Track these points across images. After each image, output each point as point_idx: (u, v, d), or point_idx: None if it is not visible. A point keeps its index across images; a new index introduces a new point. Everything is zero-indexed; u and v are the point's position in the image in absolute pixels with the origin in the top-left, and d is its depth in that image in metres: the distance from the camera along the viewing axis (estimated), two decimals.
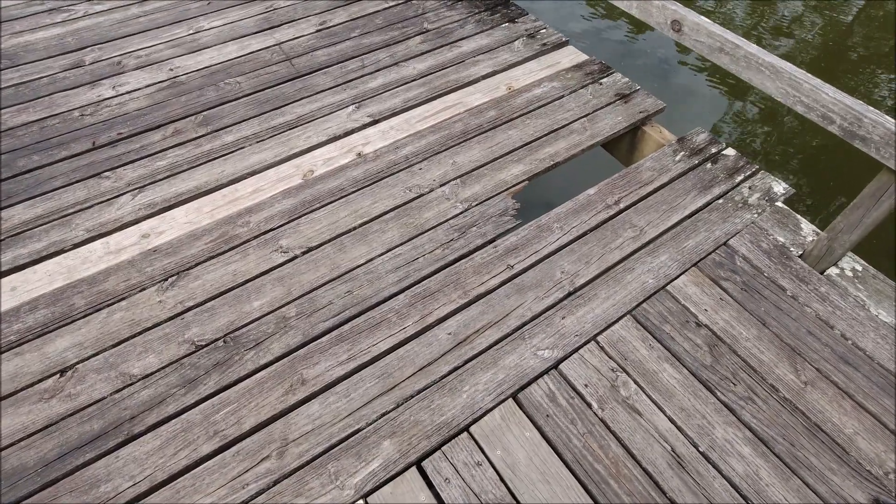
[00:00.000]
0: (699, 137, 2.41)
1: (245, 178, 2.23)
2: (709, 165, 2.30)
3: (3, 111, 2.54)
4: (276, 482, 1.47)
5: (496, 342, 1.76)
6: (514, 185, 2.22)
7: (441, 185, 2.21)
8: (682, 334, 1.78)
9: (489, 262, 1.96)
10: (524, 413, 1.61)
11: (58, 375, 1.67)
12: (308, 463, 1.51)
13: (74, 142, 2.39)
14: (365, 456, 1.52)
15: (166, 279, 1.90)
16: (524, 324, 1.81)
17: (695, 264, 1.97)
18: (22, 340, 1.75)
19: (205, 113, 2.50)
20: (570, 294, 1.88)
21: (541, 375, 1.69)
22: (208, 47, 2.85)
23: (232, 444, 1.54)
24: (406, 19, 3.04)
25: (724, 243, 2.03)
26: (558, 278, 1.92)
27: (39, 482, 1.47)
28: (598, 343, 1.76)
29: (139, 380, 1.66)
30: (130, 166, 2.28)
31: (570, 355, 1.73)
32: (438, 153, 2.34)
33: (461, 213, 2.12)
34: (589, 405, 1.63)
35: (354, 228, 2.06)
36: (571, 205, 2.15)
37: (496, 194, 2.18)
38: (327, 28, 2.98)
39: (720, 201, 2.17)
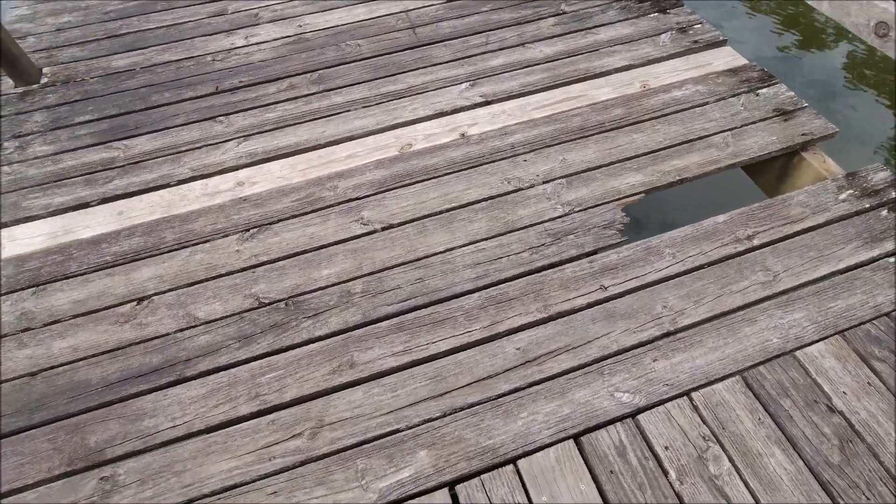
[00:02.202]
0: (877, 176, 1.94)
1: (343, 141, 2.18)
2: (884, 213, 1.83)
3: (151, 49, 2.72)
4: (301, 463, 1.39)
5: (569, 370, 1.53)
6: (627, 196, 1.94)
7: (544, 183, 1.99)
8: (806, 416, 1.43)
9: (580, 278, 1.72)
10: (584, 461, 1.38)
11: (135, 303, 1.73)
12: (338, 452, 1.41)
13: (201, 84, 2.49)
14: (397, 461, 1.39)
15: (248, 230, 1.90)
16: (606, 357, 1.55)
17: (840, 332, 1.57)
18: (115, 263, 1.84)
19: (321, 72, 2.49)
20: (668, 334, 1.59)
21: (613, 422, 1.44)
22: (339, 7, 2.84)
23: (270, 412, 1.49)
24: None
25: (887, 314, 1.60)
26: (658, 313, 1.63)
27: (97, 401, 1.53)
28: (691, 400, 1.47)
29: (202, 324, 1.67)
30: (242, 114, 2.32)
31: (653, 406, 1.46)
32: (548, 147, 2.11)
33: (560, 216, 1.88)
34: (665, 472, 1.35)
35: (440, 213, 1.91)
36: (692, 230, 1.83)
37: (605, 203, 1.92)
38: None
39: (891, 260, 1.72)
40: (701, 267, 1.74)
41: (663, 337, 1.59)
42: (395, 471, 1.37)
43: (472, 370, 1.54)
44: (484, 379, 1.52)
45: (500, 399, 1.48)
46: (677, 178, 1.98)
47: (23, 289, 1.78)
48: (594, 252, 1.79)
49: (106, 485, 1.38)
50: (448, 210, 1.92)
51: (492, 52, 2.53)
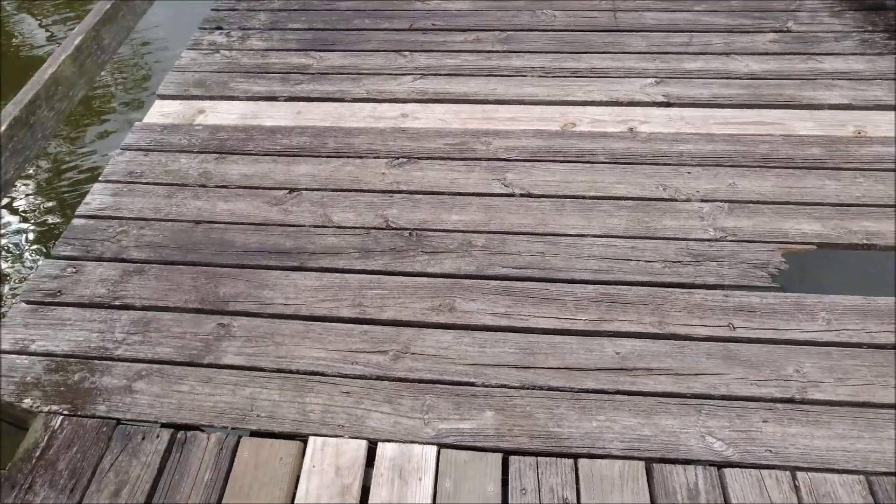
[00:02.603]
0: None
1: (510, 103, 2.18)
2: None
3: None
4: (377, 378, 1.47)
5: (664, 394, 1.42)
6: (794, 243, 1.71)
7: (702, 201, 1.83)
8: None
9: (708, 309, 1.57)
10: (649, 488, 1.29)
11: (288, 191, 1.92)
12: (412, 381, 1.47)
13: (398, 19, 2.64)
14: (463, 411, 1.41)
15: (398, 158, 2.00)
16: (710, 396, 1.42)
17: None
18: (282, 153, 2.06)
19: (510, 33, 2.50)
20: (790, 401, 1.40)
21: (694, 463, 1.32)
22: None
23: (365, 323, 1.58)
24: (770, 11, 2.52)
25: None
26: (787, 374, 1.44)
27: (235, 261, 1.74)
28: (794, 478, 1.29)
29: (332, 227, 1.81)
30: (426, 54, 2.42)
31: (746, 467, 1.31)
32: (720, 166, 1.93)
33: (709, 240, 1.73)
34: None
35: (583, 198, 1.85)
36: (861, 303, 1.57)
37: (765, 241, 1.72)
38: None
39: None
40: (859, 346, 1.50)
41: (785, 402, 1.40)
42: (459, 419, 1.40)
43: (563, 356, 1.50)
44: (572, 369, 1.47)
45: (581, 394, 1.43)
46: (865, 241, 1.70)
47: (210, 152, 2.07)
48: (734, 287, 1.62)
49: (221, 330, 1.58)
50: (591, 197, 1.85)
51: (691, 54, 2.35)
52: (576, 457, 1.34)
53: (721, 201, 1.83)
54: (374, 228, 1.80)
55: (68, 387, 1.49)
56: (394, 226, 1.80)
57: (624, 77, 2.26)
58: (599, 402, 1.41)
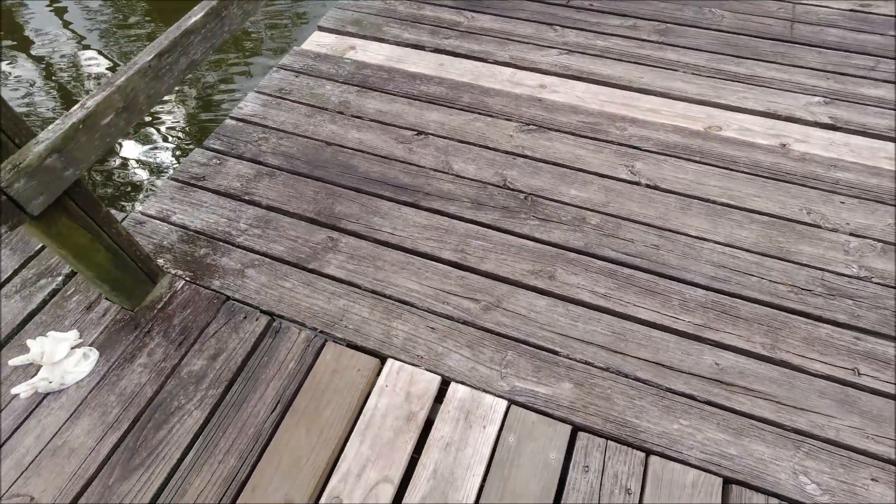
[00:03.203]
0: None
1: (654, 95, 2.09)
2: None
3: None
4: (463, 322, 1.49)
5: (760, 419, 1.31)
6: None
7: (850, 235, 1.65)
8: None
9: (833, 346, 1.42)
10: None
11: (416, 133, 1.98)
12: (497, 334, 1.47)
13: None
14: (542, 376, 1.39)
15: (529, 125, 1.99)
16: (814, 436, 1.28)
17: None
18: (417, 98, 2.12)
19: (669, 25, 2.38)
20: None
21: (779, 498, 1.20)
22: None
23: (463, 269, 1.60)
24: None
25: None
26: None
27: (354, 185, 1.83)
28: None
29: (451, 174, 1.84)
30: (576, 32, 2.38)
31: None
32: (881, 203, 1.72)
33: (850, 276, 1.55)
34: None
35: (713, 202, 1.74)
36: None
37: None
38: (864, 12, 2.39)
39: None
40: None
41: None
42: (535, 382, 1.38)
43: (656, 351, 1.42)
44: (663, 366, 1.40)
45: (667, 393, 1.36)
46: None
47: (352, 84, 2.18)
48: (867, 331, 1.45)
49: (330, 242, 1.67)
50: (722, 204, 1.73)
51: (872, 79, 2.11)
52: (649, 452, 1.27)
53: (874, 240, 1.63)
54: (491, 185, 1.80)
55: (194, 258, 1.65)
56: (511, 186, 1.80)
57: (787, 91, 2.08)
58: (685, 407, 1.33)
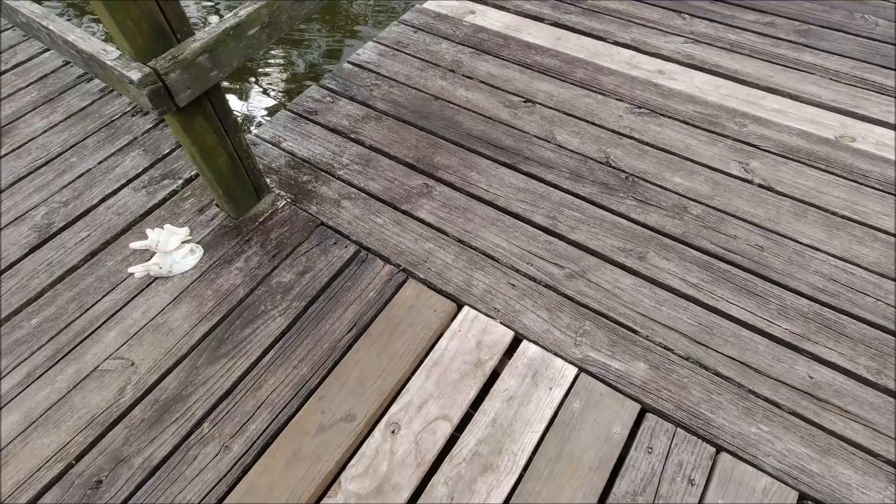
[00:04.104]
0: None
1: (782, 95, 1.95)
2: None
3: None
4: (545, 285, 1.48)
5: (852, 442, 1.21)
6: None
7: None
8: None
9: None
10: None
11: (524, 100, 1.98)
12: (577, 303, 1.44)
13: None
14: (617, 351, 1.36)
15: (640, 108, 1.92)
16: None
17: None
18: (530, 66, 2.10)
19: (812, 26, 2.21)
20: None
21: None
22: None
23: (552, 235, 1.59)
24: None
25: None
26: None
27: (455, 139, 1.85)
28: None
29: (553, 143, 1.82)
30: (706, 22, 2.26)
31: None
32: None
33: None
34: None
35: (833, 213, 1.61)
36: None
37: None
38: None
39: None
40: None
41: None
42: (609, 356, 1.35)
43: (744, 351, 1.35)
44: (750, 367, 1.32)
45: (750, 395, 1.28)
46: None
47: (467, 46, 2.20)
48: None
49: (425, 189, 1.71)
50: (843, 217, 1.60)
51: None
52: (720, 448, 1.21)
53: None
54: (593, 160, 1.77)
55: (297, 183, 1.75)
56: (613, 164, 1.75)
57: None
58: (768, 413, 1.25)
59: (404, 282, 1.51)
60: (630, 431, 1.24)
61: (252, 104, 2.98)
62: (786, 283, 1.46)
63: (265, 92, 3.08)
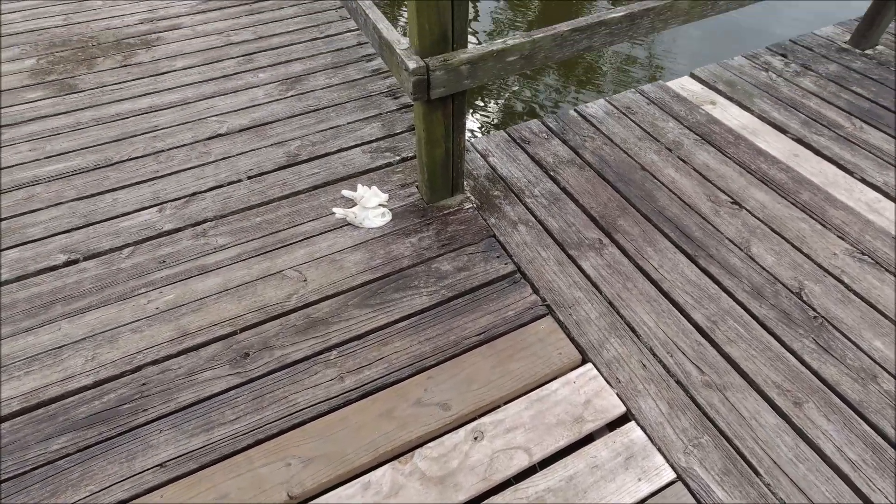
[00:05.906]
0: None
1: None
2: None
3: None
4: (678, 382, 1.41)
5: None
6: None
7: None
8: None
9: None
10: None
11: (732, 201, 1.90)
12: (704, 414, 1.35)
13: None
14: (727, 481, 1.24)
15: (864, 255, 1.72)
16: None
17: None
18: (754, 172, 2.01)
19: None
20: None
21: None
22: None
23: (705, 337, 1.51)
24: None
25: None
26: None
27: (645, 210, 1.86)
28: None
29: (745, 253, 1.72)
30: None
31: None
32: None
33: None
34: None
35: None
36: None
37: None
38: None
39: None
40: None
41: None
42: (717, 482, 1.25)
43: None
44: None
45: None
46: None
47: (694, 132, 2.19)
48: None
49: (598, 244, 1.75)
50: None
51: None
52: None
53: None
54: (783, 285, 1.64)
55: (487, 194, 1.92)
56: (804, 299, 1.60)
57: None
58: None
59: (543, 315, 1.57)
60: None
61: (469, 115, 3.31)
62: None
63: (484, 108, 3.39)
